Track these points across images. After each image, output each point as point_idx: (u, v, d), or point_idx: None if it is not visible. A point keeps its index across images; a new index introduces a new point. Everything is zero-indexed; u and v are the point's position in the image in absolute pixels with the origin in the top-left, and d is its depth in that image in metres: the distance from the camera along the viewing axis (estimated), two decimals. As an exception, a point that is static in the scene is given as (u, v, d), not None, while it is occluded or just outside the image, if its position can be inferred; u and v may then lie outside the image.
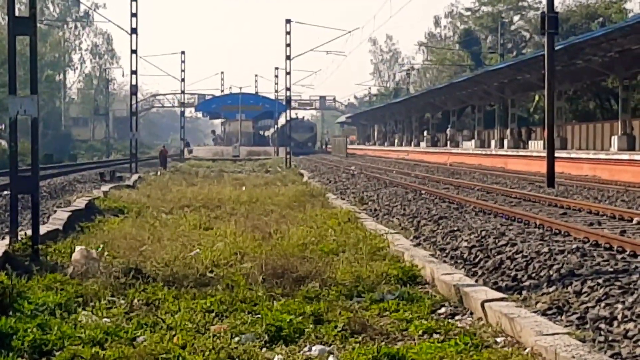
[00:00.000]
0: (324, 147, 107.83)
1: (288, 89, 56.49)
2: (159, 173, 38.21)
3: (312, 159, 68.33)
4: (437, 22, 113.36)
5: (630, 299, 7.94)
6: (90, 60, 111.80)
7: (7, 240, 11.11)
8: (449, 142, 68.65)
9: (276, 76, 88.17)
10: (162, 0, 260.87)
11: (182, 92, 77.64)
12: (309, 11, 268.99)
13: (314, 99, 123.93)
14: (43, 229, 12.19)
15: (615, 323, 7.37)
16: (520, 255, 10.90)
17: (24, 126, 13.93)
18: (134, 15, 41.01)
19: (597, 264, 9.94)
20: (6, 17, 11.22)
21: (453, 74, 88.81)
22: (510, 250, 11.32)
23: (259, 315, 7.62)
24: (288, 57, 54.05)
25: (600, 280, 8.87)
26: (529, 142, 51.16)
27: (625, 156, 32.88)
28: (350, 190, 25.71)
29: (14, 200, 11.10)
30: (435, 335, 7.10)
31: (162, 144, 65.97)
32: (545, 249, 11.02)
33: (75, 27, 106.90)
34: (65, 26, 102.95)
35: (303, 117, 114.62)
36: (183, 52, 73.41)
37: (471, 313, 7.98)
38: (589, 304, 8.09)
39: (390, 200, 21.11)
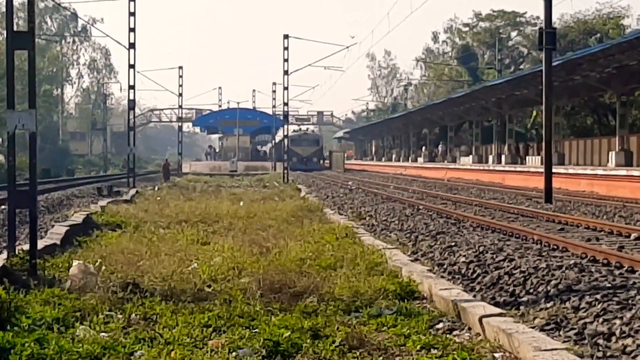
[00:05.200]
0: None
1: (286, 104, 56.55)
2: (156, 188, 38.20)
3: (309, 174, 68.18)
4: (435, 38, 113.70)
5: (629, 315, 7.95)
6: (88, 75, 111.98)
7: (4, 255, 11.10)
8: (445, 158, 68.75)
9: (274, 91, 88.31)
10: (160, 15, 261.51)
11: (180, 107, 77.63)
12: (307, 27, 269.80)
13: (312, 114, 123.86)
14: (41, 244, 12.18)
15: (614, 339, 7.38)
16: (518, 270, 10.91)
17: (22, 140, 13.99)
18: (132, 30, 41.11)
19: (595, 280, 9.96)
20: (4, 32, 11.23)
21: (451, 90, 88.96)
22: (508, 266, 11.34)
23: (257, 330, 7.61)
24: (286, 72, 54.14)
25: (598, 296, 8.89)
26: (527, 157, 51.25)
27: (622, 172, 32.93)
28: (348, 206, 25.71)
29: (11, 215, 11.10)
30: (433, 351, 7.09)
31: (166, 158, 69.65)
32: (543, 265, 11.04)
33: (73, 41, 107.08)
34: (63, 41, 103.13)
35: (307, 129, 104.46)
36: (181, 67, 73.51)
37: (469, 328, 7.97)
38: (587, 320, 8.10)
39: (388, 216, 21.12)
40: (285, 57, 53.54)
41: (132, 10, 41.07)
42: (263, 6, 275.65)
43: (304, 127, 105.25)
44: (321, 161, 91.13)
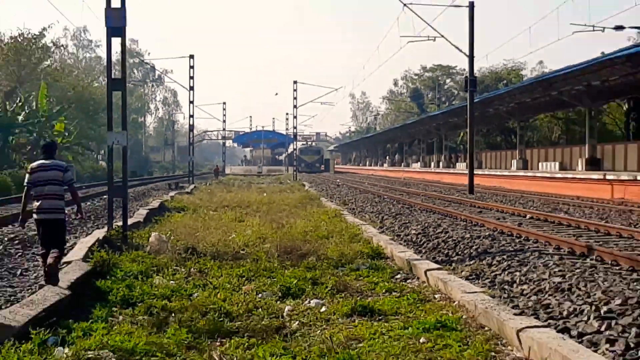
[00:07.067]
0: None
1: (295, 128, 56.67)
2: (207, 184, 38.09)
3: (312, 175, 67.93)
4: (395, 83, 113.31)
5: (525, 269, 7.95)
6: (162, 108, 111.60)
7: (105, 229, 11.14)
8: (401, 164, 68.65)
9: (287, 119, 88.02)
10: (208, 67, 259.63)
11: (224, 129, 77.75)
12: (311, 73, 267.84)
13: (312, 134, 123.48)
14: (130, 221, 12.18)
15: (515, 285, 7.39)
16: (450, 239, 10.91)
17: (117, 152, 13.96)
18: (191, 77, 40.98)
19: (503, 246, 9.96)
20: (106, 79, 11.20)
21: (405, 118, 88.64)
22: (444, 236, 11.33)
23: (275, 279, 7.61)
24: (295, 106, 54.12)
25: (504, 257, 8.89)
26: (457, 163, 51.14)
27: (521, 173, 32.97)
28: (337, 196, 25.66)
29: (110, 202, 11.13)
30: (394, 293, 7.10)
31: (216, 164, 71.56)
32: (468, 235, 11.03)
33: (152, 85, 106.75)
34: (145, 85, 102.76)
35: (312, 143, 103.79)
36: (224, 103, 73.68)
37: (418, 278, 7.98)
38: (497, 272, 8.10)
39: (364, 202, 21.07)
40: (295, 96, 53.45)
41: (191, 64, 40.95)
42: (275, 58, 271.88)
43: (308, 143, 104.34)
44: (322, 166, 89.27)
